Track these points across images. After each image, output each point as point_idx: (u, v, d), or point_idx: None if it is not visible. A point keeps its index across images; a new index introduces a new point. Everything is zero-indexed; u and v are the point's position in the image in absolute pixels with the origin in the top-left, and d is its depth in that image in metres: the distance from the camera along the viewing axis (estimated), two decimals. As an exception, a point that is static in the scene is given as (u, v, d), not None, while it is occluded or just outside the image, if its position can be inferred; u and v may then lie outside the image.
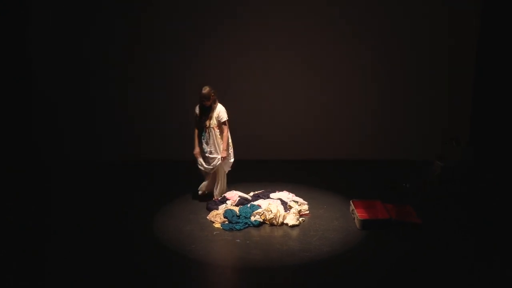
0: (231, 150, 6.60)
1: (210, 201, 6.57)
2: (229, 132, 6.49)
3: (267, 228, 5.90)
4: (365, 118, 8.61)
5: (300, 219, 6.08)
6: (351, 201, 6.29)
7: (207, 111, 6.35)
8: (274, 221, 5.96)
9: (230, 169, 6.71)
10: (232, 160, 6.66)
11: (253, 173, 7.88)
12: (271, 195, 6.67)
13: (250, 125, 8.54)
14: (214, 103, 6.35)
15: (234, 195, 6.63)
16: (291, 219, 5.99)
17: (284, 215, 6.04)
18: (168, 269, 4.89)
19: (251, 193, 6.80)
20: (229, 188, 6.85)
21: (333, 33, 8.32)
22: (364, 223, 5.78)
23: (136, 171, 8.04)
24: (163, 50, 8.32)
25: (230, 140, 6.56)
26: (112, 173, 7.91)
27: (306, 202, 6.55)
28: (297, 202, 6.48)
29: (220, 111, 6.38)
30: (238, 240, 5.51)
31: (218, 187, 6.68)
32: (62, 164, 8.14)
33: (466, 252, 5.30)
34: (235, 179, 7.10)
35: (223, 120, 6.38)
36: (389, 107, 8.57)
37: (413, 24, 8.30)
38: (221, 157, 6.44)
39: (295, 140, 8.63)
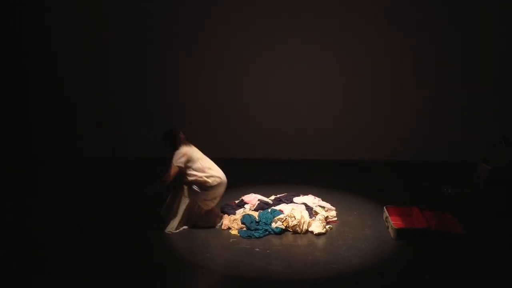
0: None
1: (226, 205, 6.40)
2: (170, 177, 5.53)
3: (289, 236, 5.69)
4: (400, 117, 8.55)
5: (327, 226, 5.87)
6: (384, 208, 6.06)
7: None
8: (297, 229, 5.73)
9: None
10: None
11: (275, 173, 7.76)
12: (295, 199, 6.48)
13: (274, 122, 8.56)
14: (177, 148, 5.64)
15: (253, 199, 6.44)
16: (316, 226, 5.76)
17: (309, 222, 5.82)
18: (179, 280, 4.78)
19: (272, 197, 6.65)
20: (247, 191, 6.69)
21: (366, 29, 8.34)
22: (399, 232, 5.52)
23: (146, 170, 7.87)
24: (164, 46, 8.42)
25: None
26: (123, 172, 7.89)
27: (333, 208, 6.36)
28: (323, 207, 6.28)
29: (175, 154, 5.64)
30: (257, 249, 5.30)
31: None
32: (63, 164, 8.21)
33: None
34: (254, 180, 7.02)
35: (174, 164, 5.61)
36: (428, 106, 8.50)
37: (460, 21, 8.20)
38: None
39: (323, 139, 8.59)
